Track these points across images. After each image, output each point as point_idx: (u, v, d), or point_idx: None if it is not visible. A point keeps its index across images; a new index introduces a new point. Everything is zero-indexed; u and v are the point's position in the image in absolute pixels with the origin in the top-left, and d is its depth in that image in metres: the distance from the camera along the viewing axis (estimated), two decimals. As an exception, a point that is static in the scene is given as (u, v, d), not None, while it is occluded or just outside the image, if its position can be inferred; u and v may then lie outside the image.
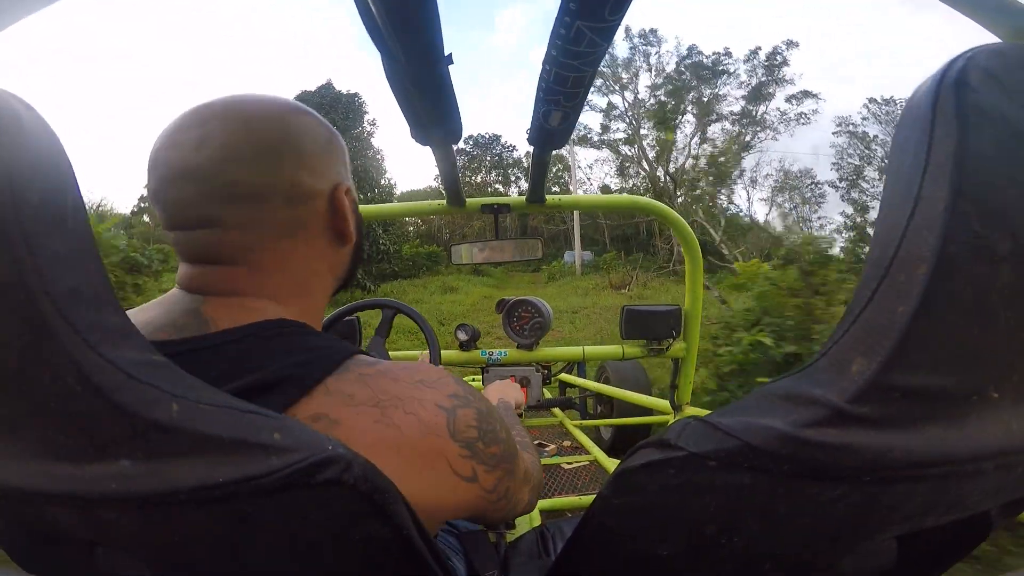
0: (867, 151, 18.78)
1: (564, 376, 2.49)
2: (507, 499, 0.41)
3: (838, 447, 0.25)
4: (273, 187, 0.38)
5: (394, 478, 0.28)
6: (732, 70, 19.05)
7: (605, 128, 20.78)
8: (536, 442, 2.08)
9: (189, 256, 0.39)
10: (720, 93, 19.17)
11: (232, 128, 0.37)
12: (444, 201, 1.17)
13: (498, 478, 0.39)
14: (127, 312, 0.39)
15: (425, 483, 0.31)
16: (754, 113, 19.04)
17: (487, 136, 28.75)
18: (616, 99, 20.29)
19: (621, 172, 21.84)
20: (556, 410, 2.24)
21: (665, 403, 1.56)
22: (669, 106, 19.07)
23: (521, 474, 0.45)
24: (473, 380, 2.48)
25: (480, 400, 0.39)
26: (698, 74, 19.16)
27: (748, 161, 19.45)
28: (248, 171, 0.37)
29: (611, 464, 1.52)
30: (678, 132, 19.31)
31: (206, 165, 0.36)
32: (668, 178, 19.06)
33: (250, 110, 0.38)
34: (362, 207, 1.32)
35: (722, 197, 19.46)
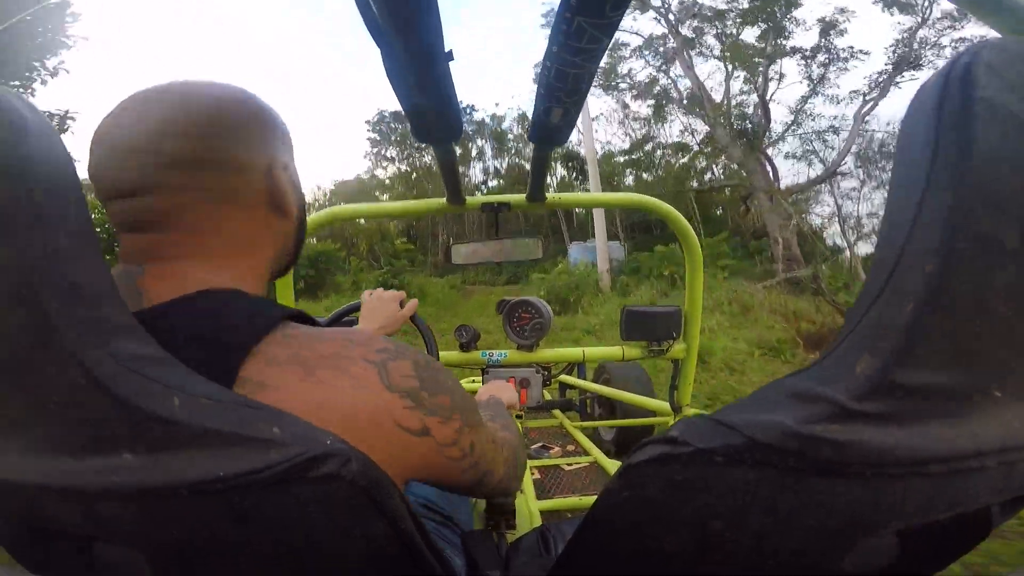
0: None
1: (564, 377, 2.49)
2: (474, 457, 0.40)
3: (843, 444, 0.25)
4: (207, 157, 0.39)
5: None
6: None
7: (611, 71, 12.89)
8: (540, 444, 2.07)
9: (126, 225, 0.40)
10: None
11: (169, 105, 0.39)
12: (444, 199, 1.17)
13: (456, 430, 0.38)
14: None
15: (372, 443, 0.30)
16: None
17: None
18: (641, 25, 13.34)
19: (657, 117, 14.17)
20: (556, 412, 2.24)
21: (665, 405, 1.56)
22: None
23: (489, 434, 0.44)
24: (473, 381, 2.48)
25: (417, 353, 0.38)
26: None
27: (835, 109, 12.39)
28: (184, 142, 0.38)
29: (611, 465, 1.52)
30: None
31: (144, 137, 0.38)
32: (761, 112, 11.56)
33: (188, 90, 0.40)
34: (359, 206, 1.33)
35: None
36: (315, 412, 0.30)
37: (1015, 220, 0.24)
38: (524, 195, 1.17)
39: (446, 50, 0.46)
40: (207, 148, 0.39)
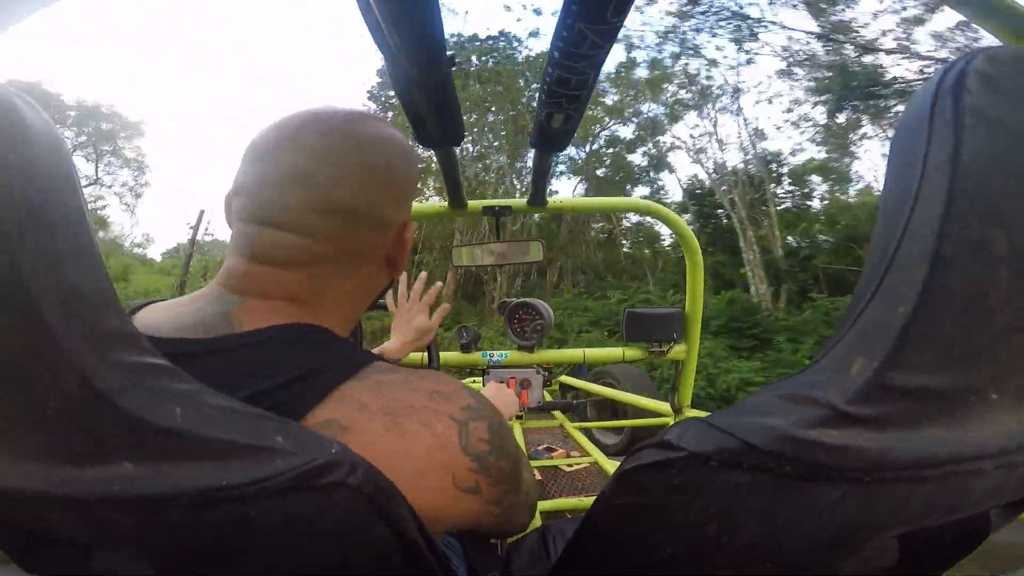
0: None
1: (565, 379, 2.49)
2: (507, 515, 0.41)
3: (838, 448, 0.25)
4: (368, 212, 0.40)
5: (398, 486, 0.28)
6: None
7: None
8: (544, 446, 2.07)
9: (257, 255, 0.39)
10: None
11: (351, 146, 0.39)
12: (445, 203, 1.17)
13: (503, 492, 0.39)
14: (160, 304, 0.39)
15: (423, 493, 0.31)
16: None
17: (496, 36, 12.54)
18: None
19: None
20: (556, 412, 2.24)
21: (666, 406, 1.56)
22: None
23: (524, 491, 0.44)
24: (473, 382, 2.47)
25: (493, 412, 0.38)
26: None
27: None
28: (354, 191, 0.39)
29: (611, 466, 1.52)
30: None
31: (320, 177, 0.38)
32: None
33: (371, 133, 0.41)
34: None
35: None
36: (390, 460, 0.31)
37: (1004, 226, 0.25)
38: (525, 199, 1.17)
39: (448, 54, 0.46)
40: (372, 203, 0.40)
